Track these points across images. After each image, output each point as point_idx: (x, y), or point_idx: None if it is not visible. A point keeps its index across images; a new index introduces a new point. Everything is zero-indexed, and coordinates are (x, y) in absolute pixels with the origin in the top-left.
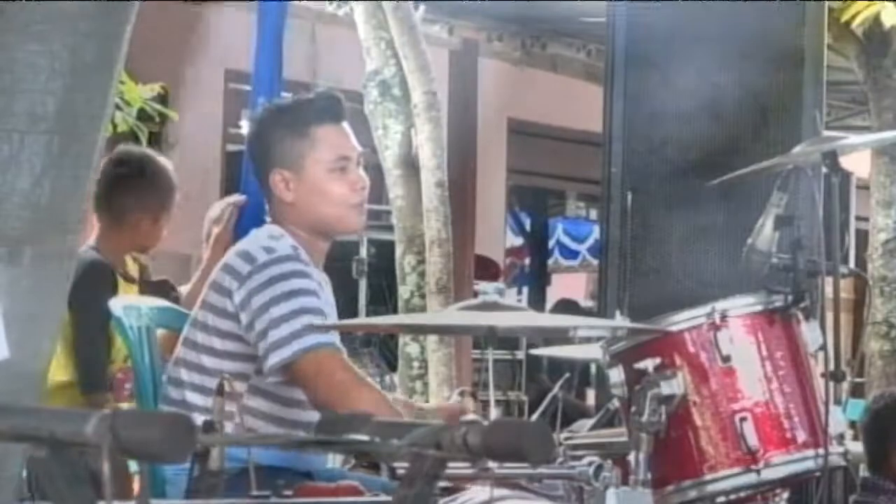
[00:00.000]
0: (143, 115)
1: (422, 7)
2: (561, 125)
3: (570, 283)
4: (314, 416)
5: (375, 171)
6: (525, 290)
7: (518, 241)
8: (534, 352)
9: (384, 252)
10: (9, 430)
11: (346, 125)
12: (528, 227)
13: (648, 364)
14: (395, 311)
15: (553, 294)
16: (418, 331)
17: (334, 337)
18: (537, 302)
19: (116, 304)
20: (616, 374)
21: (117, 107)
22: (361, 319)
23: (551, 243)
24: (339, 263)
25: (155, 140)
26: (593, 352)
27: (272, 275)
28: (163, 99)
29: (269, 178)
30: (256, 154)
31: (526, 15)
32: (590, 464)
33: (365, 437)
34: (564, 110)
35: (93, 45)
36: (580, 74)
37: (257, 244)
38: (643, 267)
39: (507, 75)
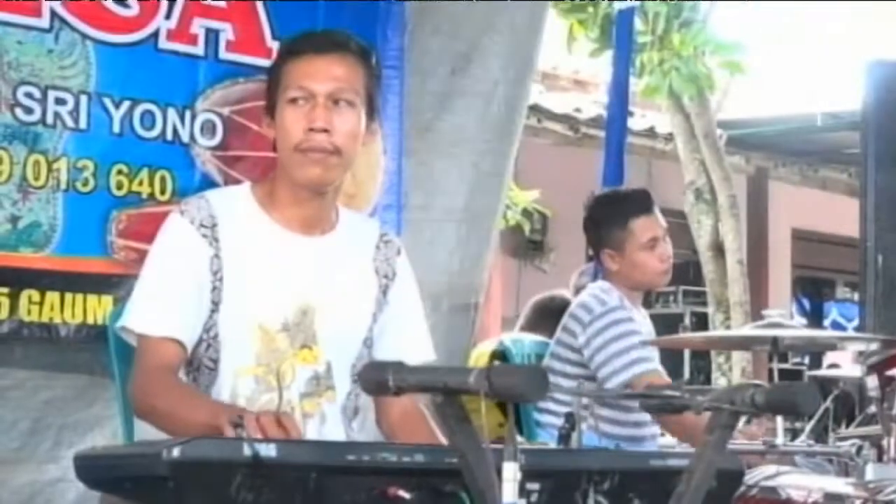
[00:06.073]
0: (525, 213)
1: (725, 137)
2: (830, 232)
3: (839, 357)
4: (643, 416)
5: (693, 253)
6: (806, 359)
7: (802, 321)
8: (810, 372)
9: (700, 320)
10: (416, 384)
11: (656, 211)
12: (808, 308)
13: None
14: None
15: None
16: (720, 345)
17: (656, 363)
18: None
19: (506, 337)
20: (872, 381)
21: (508, 206)
22: (678, 335)
23: (826, 322)
24: (669, 330)
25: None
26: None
27: (608, 323)
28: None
29: (600, 253)
30: (591, 236)
31: (803, 149)
32: (853, 445)
33: (677, 394)
34: (833, 220)
35: (489, 159)
36: (844, 191)
37: (593, 298)
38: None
39: (789, 194)
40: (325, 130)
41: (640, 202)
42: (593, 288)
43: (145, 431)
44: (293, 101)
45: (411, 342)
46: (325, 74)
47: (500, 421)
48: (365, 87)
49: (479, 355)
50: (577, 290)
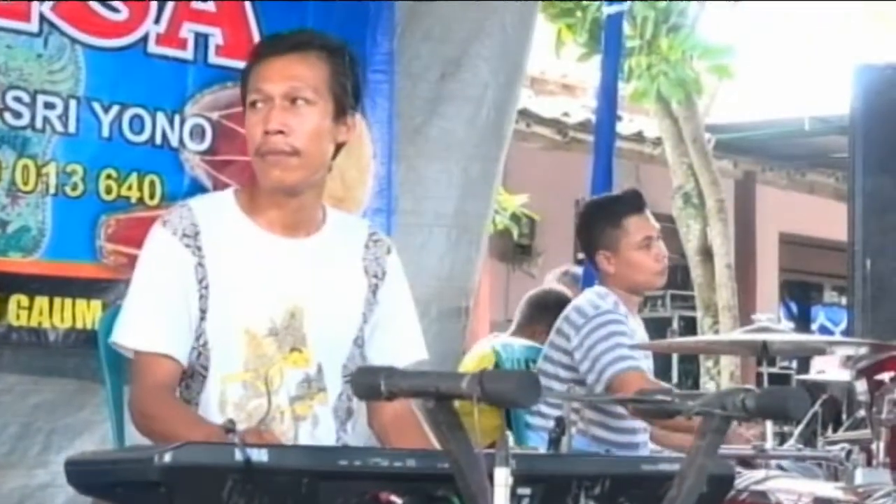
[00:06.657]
0: (514, 217)
1: (713, 141)
2: (818, 236)
3: (825, 361)
4: (635, 423)
5: (681, 257)
6: (794, 364)
7: (790, 325)
8: (798, 377)
9: (688, 324)
10: (408, 389)
11: (647, 212)
12: (795, 313)
13: (886, 376)
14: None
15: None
16: (710, 350)
17: (639, 362)
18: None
19: (497, 341)
20: (861, 385)
21: (496, 210)
22: (668, 340)
23: (814, 326)
24: (657, 334)
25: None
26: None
27: (597, 324)
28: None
29: (595, 257)
30: (584, 239)
31: (791, 153)
32: (842, 449)
33: (668, 399)
34: (820, 224)
35: (479, 164)
36: (832, 195)
37: (588, 301)
38: (881, 317)
39: (777, 198)
40: (281, 132)
41: (633, 202)
42: (589, 292)
43: (136, 436)
44: (253, 104)
45: (403, 342)
46: (281, 75)
47: (497, 423)
48: (330, 85)
49: (483, 356)
50: None
